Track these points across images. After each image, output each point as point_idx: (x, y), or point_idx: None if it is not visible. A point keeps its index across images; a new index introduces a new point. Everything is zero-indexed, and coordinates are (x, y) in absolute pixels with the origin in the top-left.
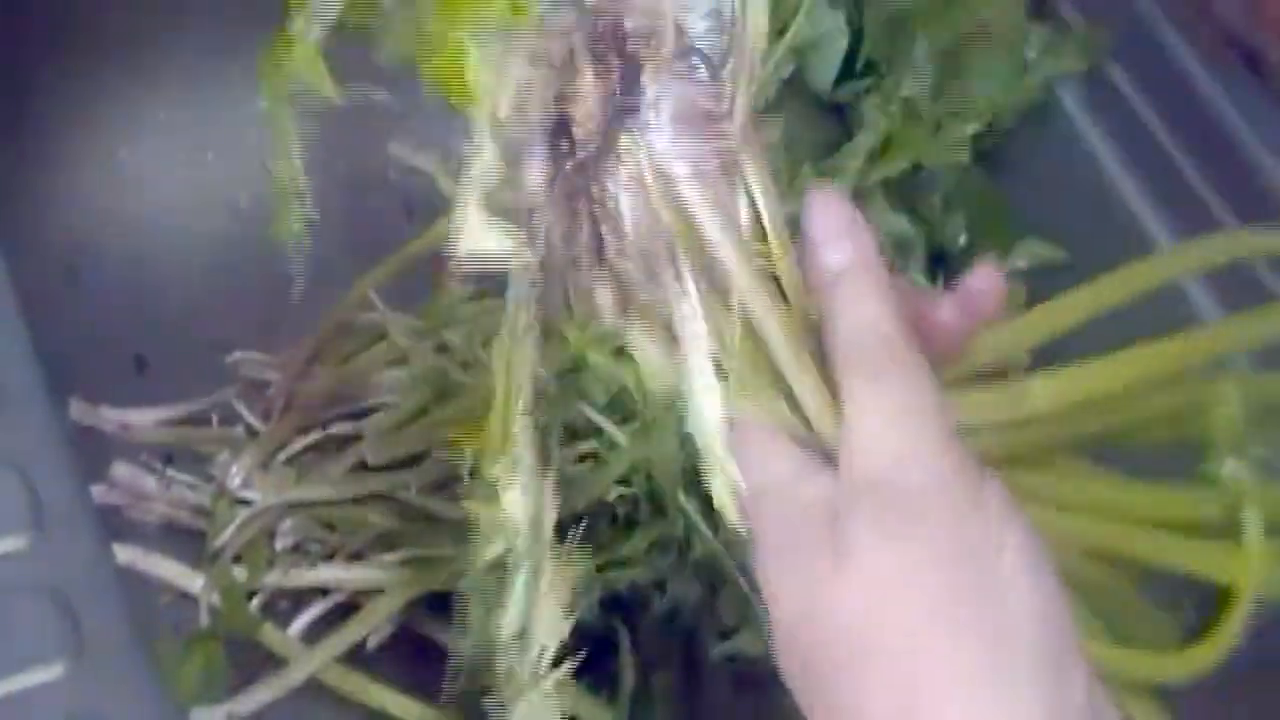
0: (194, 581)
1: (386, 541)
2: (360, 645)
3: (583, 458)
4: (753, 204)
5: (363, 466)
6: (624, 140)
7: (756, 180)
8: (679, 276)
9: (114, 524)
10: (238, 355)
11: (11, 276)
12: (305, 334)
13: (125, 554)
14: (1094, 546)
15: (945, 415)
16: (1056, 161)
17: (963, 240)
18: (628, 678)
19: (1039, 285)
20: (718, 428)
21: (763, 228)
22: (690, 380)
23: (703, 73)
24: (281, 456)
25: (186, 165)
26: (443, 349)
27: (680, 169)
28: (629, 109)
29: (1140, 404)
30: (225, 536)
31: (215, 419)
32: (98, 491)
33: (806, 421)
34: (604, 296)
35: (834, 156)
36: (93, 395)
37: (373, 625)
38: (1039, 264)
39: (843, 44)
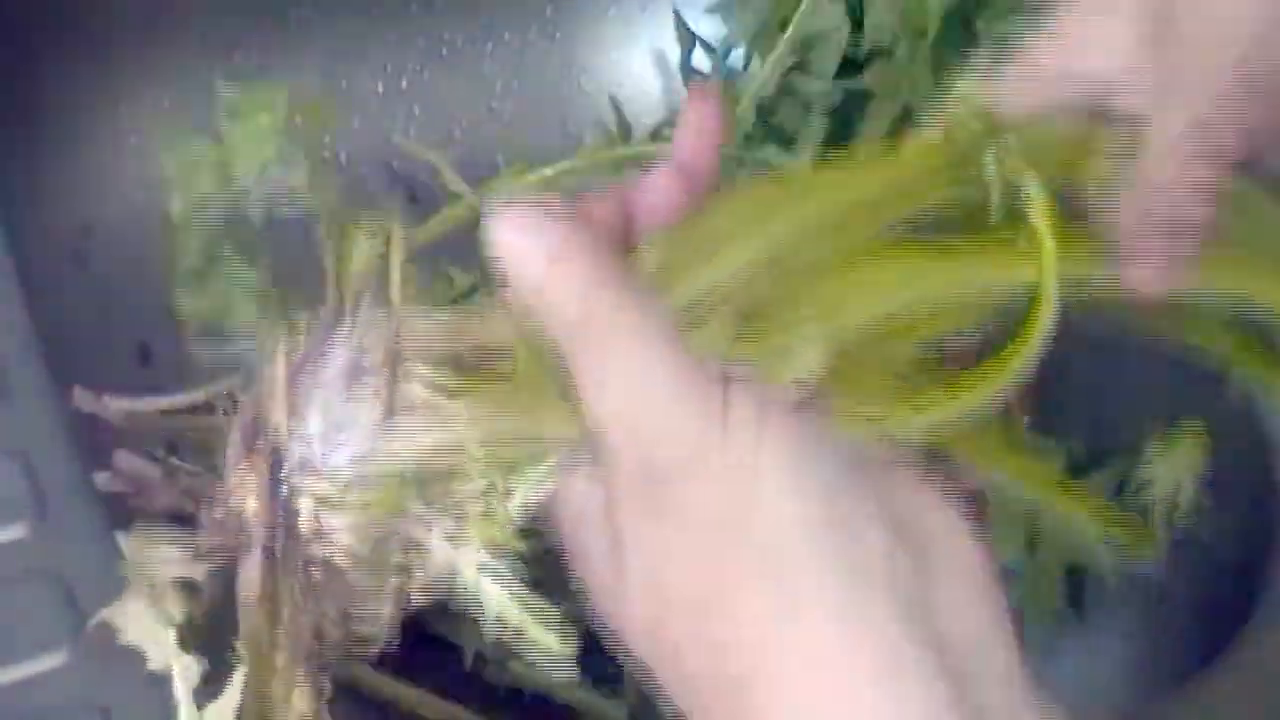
0: (197, 570)
1: None
2: None
3: None
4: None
5: None
6: (302, 502)
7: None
8: (419, 518)
9: (117, 512)
10: (242, 345)
11: (17, 262)
12: None
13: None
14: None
15: (673, 357)
16: None
17: None
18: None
19: None
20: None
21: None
22: (469, 573)
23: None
24: None
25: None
26: None
27: (358, 448)
28: (291, 472)
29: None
30: None
31: (219, 409)
32: (100, 480)
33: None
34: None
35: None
36: (96, 383)
37: None
38: None
39: (844, 37)
